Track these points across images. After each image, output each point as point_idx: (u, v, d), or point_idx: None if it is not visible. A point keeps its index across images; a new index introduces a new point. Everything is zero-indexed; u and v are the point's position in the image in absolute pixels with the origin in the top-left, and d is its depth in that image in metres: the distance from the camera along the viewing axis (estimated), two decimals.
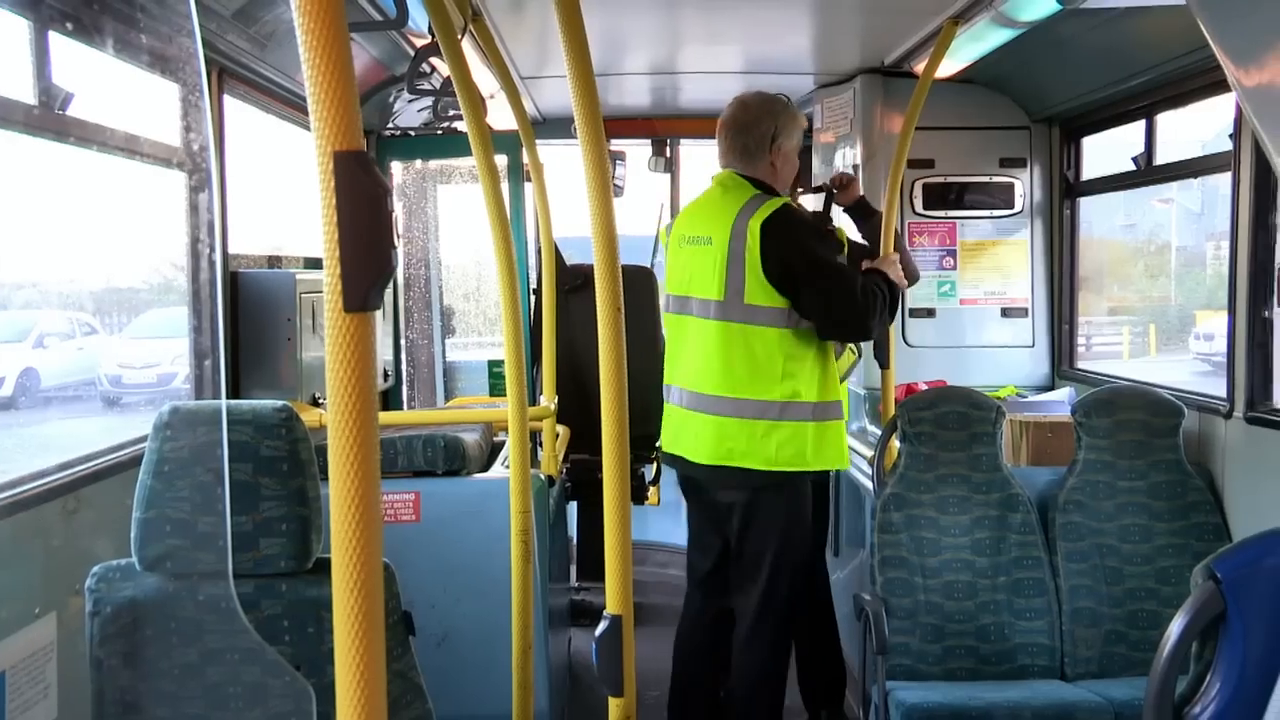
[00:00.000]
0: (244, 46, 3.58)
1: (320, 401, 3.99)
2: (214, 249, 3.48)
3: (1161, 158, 4.48)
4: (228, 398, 3.68)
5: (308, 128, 1.06)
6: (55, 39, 2.63)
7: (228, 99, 3.69)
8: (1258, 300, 3.50)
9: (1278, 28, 1.31)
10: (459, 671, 3.46)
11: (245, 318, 3.87)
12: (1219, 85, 3.85)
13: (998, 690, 3.51)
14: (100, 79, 2.90)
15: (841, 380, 4.06)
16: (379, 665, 1.09)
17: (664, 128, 6.73)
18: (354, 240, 1.06)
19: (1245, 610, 1.74)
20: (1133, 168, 4.63)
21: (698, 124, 6.49)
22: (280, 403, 2.23)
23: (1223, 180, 3.71)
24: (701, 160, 6.99)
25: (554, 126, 6.21)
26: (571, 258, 6.06)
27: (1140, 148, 4.51)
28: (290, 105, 4.17)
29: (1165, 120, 4.45)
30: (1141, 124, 4.52)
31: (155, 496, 2.14)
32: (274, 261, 4.26)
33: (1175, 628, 1.86)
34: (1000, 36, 4.04)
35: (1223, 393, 3.68)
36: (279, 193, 4.86)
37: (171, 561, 2.14)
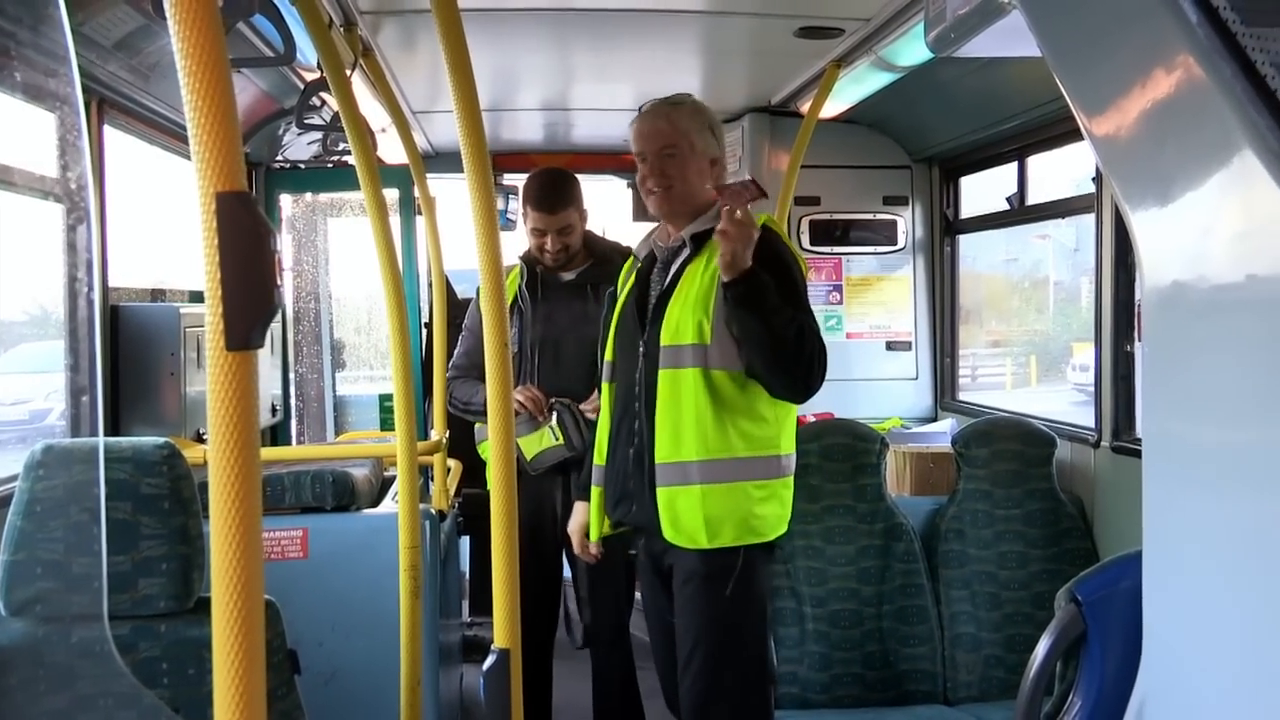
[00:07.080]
0: (125, 77, 3.51)
1: (205, 437, 3.90)
2: (91, 285, 3.40)
3: (1039, 196, 4.66)
4: (107, 435, 3.58)
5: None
6: None
7: (108, 129, 3.62)
8: (1120, 335, 3.66)
9: (1122, 83, 1.40)
10: (348, 710, 3.40)
11: (126, 353, 3.77)
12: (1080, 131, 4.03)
13: (883, 716, 3.59)
14: None
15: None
16: (259, 706, 1.09)
17: (557, 163, 6.76)
18: (236, 280, 1.07)
19: (1104, 631, 1.83)
20: (1007, 207, 4.81)
21: (590, 159, 6.54)
22: (161, 440, 2.19)
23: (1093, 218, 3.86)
24: (593, 195, 7.02)
25: (446, 160, 6.20)
26: (465, 291, 6.05)
27: (1014, 188, 4.70)
28: (174, 137, 4.10)
29: (1048, 159, 4.62)
30: (1014, 165, 4.70)
31: (25, 538, 2.08)
32: (157, 295, 4.18)
33: (1040, 650, 1.94)
34: (880, 80, 4.17)
35: (1093, 422, 3.84)
36: (163, 223, 4.76)
37: (42, 605, 2.08)
